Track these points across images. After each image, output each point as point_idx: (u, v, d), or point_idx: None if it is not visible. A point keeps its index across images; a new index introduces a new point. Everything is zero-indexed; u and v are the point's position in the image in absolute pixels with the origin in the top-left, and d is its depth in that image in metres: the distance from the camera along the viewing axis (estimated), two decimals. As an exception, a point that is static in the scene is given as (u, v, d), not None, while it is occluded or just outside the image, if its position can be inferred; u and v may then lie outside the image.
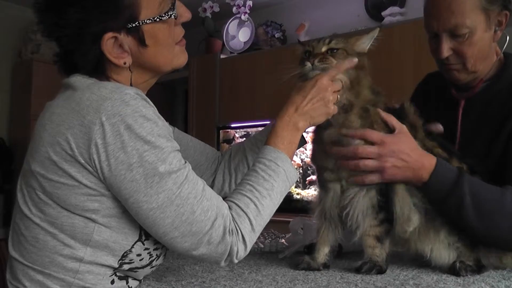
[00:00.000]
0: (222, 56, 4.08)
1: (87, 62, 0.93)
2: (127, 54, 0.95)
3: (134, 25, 0.93)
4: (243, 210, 0.92)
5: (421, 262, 1.10)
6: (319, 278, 1.02)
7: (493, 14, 1.21)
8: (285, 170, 0.99)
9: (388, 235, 1.07)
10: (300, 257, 1.14)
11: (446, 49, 1.23)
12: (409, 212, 1.07)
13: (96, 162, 0.84)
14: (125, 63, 0.94)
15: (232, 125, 4.05)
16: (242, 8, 3.84)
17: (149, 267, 0.96)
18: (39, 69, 4.31)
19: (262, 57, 3.84)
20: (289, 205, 3.34)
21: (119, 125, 0.83)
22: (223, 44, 4.10)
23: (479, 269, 1.06)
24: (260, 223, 0.94)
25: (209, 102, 4.08)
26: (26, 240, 0.91)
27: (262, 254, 1.35)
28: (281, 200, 0.99)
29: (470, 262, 1.06)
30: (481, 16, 1.20)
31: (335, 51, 1.09)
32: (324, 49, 1.10)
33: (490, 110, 1.26)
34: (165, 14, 0.95)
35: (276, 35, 3.96)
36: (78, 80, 0.92)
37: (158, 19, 0.94)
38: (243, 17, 3.88)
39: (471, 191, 1.05)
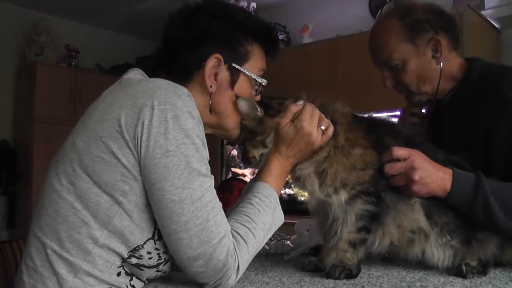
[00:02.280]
0: (225, 58, 4.08)
1: (185, 64, 1.05)
2: (216, 83, 1.05)
3: (237, 67, 1.07)
4: (243, 239, 0.94)
5: (428, 264, 1.10)
6: (326, 279, 1.02)
7: (422, 42, 1.29)
8: (275, 208, 1.03)
9: (364, 244, 1.06)
10: (306, 259, 1.14)
11: (388, 81, 1.35)
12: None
13: (138, 140, 0.88)
14: (211, 86, 1.05)
15: (236, 127, 4.04)
16: (246, 9, 3.84)
17: (155, 269, 0.96)
18: (43, 72, 4.32)
19: (266, 59, 3.84)
20: (294, 207, 3.34)
21: (167, 112, 0.89)
22: (227, 46, 4.11)
23: (484, 269, 1.06)
24: (253, 255, 0.97)
25: (213, 104, 4.07)
26: (48, 212, 0.94)
27: (267, 256, 1.35)
28: (267, 240, 1.02)
29: (475, 263, 1.06)
30: (408, 46, 1.29)
31: (246, 140, 1.12)
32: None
33: (459, 114, 1.30)
34: (259, 78, 1.10)
35: (280, 37, 3.96)
36: (136, 74, 1.05)
37: (253, 77, 1.09)
38: (246, 19, 3.89)
39: (492, 191, 1.06)
